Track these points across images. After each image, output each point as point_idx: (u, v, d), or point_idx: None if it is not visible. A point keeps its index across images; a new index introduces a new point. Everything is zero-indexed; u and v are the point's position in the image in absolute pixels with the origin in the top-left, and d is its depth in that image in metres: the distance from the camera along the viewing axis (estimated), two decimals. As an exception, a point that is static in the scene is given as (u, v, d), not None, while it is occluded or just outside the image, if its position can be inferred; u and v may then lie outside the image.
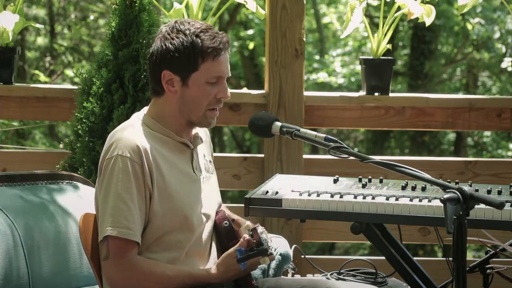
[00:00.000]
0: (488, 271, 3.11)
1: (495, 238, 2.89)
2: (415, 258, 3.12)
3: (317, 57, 12.58)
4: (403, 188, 2.97)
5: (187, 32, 2.78)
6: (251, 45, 12.31)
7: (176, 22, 2.83)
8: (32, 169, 3.32)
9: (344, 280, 3.17)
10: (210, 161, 3.01)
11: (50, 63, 12.17)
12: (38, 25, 4.65)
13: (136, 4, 4.04)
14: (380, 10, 4.54)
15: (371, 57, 4.54)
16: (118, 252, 2.70)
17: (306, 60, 5.03)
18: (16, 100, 4.46)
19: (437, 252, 10.70)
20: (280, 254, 3.12)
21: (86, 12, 12.02)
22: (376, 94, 4.52)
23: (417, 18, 4.38)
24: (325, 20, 13.12)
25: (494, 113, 4.59)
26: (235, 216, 3.04)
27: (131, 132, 2.79)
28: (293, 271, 3.39)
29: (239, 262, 2.74)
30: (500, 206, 2.40)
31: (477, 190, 2.88)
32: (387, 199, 2.85)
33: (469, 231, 2.40)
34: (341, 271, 3.28)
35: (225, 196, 11.65)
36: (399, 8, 4.44)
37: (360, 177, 3.11)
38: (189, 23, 2.81)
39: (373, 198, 2.86)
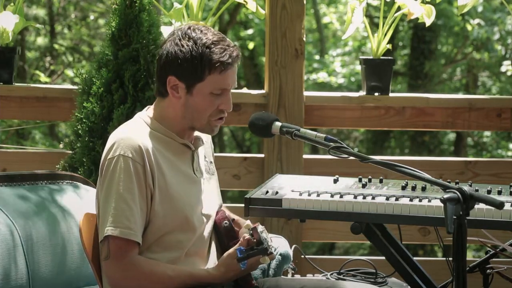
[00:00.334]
0: (488, 271, 3.11)
1: (495, 238, 2.89)
2: (415, 258, 3.12)
3: (317, 57, 12.58)
4: (403, 188, 2.97)
5: (198, 41, 2.76)
6: (251, 45, 12.32)
7: (190, 27, 2.80)
8: (32, 169, 3.32)
9: (344, 280, 3.17)
10: (211, 162, 3.01)
11: (50, 63, 12.17)
12: (38, 25, 4.65)
13: (136, 4, 4.04)
14: (380, 10, 4.54)
15: (371, 57, 4.54)
16: (119, 252, 2.70)
17: (306, 60, 5.03)
18: (16, 100, 4.46)
19: (437, 252, 10.70)
20: (280, 254, 3.12)
21: (86, 12, 12.02)
22: (376, 94, 4.52)
23: (417, 18, 4.38)
24: (325, 20, 13.12)
25: (494, 113, 4.59)
26: (235, 216, 3.04)
27: (133, 132, 2.79)
28: (293, 271, 3.39)
29: (239, 261, 2.74)
30: (500, 206, 2.40)
31: (477, 190, 2.88)
32: (387, 199, 2.85)
33: (469, 231, 2.40)
34: (341, 271, 3.28)
35: (225, 196, 11.65)
36: (399, 8, 4.44)
37: (360, 177, 3.11)
38: (201, 31, 2.79)
39: (373, 198, 2.86)
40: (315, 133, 2.82)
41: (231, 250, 2.79)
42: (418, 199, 2.84)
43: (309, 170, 4.46)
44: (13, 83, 4.44)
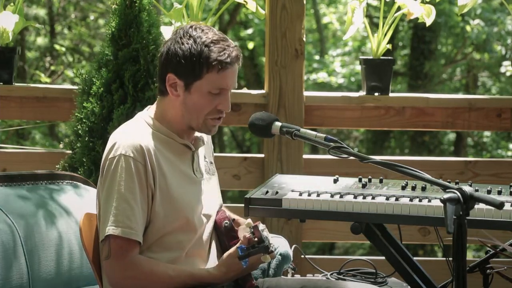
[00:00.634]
0: (488, 271, 3.11)
1: (495, 238, 2.89)
2: (415, 258, 3.12)
3: (317, 57, 12.58)
4: (403, 188, 2.97)
5: (198, 40, 2.76)
6: (251, 45, 12.31)
7: (191, 26, 2.81)
8: (32, 169, 3.32)
9: (344, 280, 3.17)
10: (211, 163, 3.01)
11: (50, 63, 12.17)
12: (38, 25, 4.65)
13: (136, 4, 4.04)
14: (380, 10, 4.54)
15: (371, 57, 4.54)
16: (120, 251, 2.70)
17: (306, 60, 5.03)
18: (16, 100, 4.47)
19: (437, 252, 10.70)
20: (280, 254, 3.12)
21: (86, 12, 12.02)
22: (376, 94, 4.52)
23: (417, 18, 4.38)
24: (325, 20, 13.12)
25: (494, 113, 4.59)
26: (235, 216, 3.04)
27: (134, 132, 2.79)
28: (293, 271, 3.39)
29: (241, 259, 2.74)
30: (500, 206, 2.40)
31: (477, 190, 2.88)
32: (387, 199, 2.85)
33: (469, 231, 2.40)
34: (341, 271, 3.28)
35: (225, 196, 11.65)
36: (399, 8, 4.44)
37: (360, 177, 3.11)
38: (203, 30, 2.79)
39: (373, 198, 2.86)
40: (315, 133, 2.82)
41: (232, 250, 2.79)
42: (418, 199, 2.84)
43: (309, 170, 4.46)
44: (13, 83, 4.44)
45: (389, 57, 4.55)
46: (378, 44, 4.50)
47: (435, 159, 4.85)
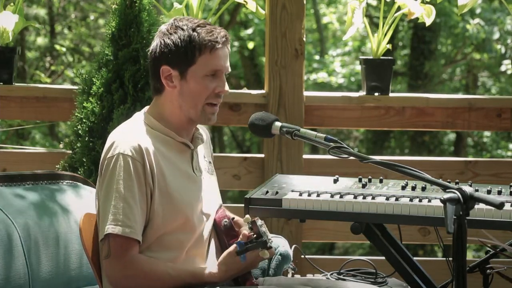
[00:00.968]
0: (488, 271, 3.11)
1: (495, 238, 2.89)
2: (415, 258, 3.12)
3: (317, 57, 12.58)
4: (403, 188, 2.97)
5: (185, 27, 2.80)
6: (251, 45, 12.31)
7: (175, 19, 2.85)
8: (32, 169, 3.32)
9: (344, 280, 3.17)
10: (210, 162, 3.01)
11: (50, 63, 12.17)
12: (38, 25, 4.65)
13: (136, 4, 4.04)
14: (380, 10, 4.54)
15: (371, 57, 4.54)
16: (120, 250, 2.70)
17: (306, 60, 5.03)
18: (16, 100, 4.47)
19: (437, 252, 10.70)
20: (280, 254, 3.11)
21: (86, 12, 12.02)
22: (376, 94, 4.52)
23: (417, 18, 4.38)
24: (325, 20, 13.12)
25: (494, 113, 4.59)
26: (234, 216, 3.04)
27: (133, 131, 2.79)
28: (293, 271, 3.39)
29: (239, 254, 2.74)
30: (500, 206, 2.40)
31: (477, 190, 2.87)
32: (387, 199, 2.85)
33: (469, 231, 2.40)
34: (341, 271, 3.28)
35: (225, 196, 11.65)
36: (399, 8, 4.44)
37: (360, 177, 3.11)
38: (187, 19, 2.84)
39: (373, 198, 2.86)
40: (315, 133, 2.82)
41: (231, 248, 2.79)
42: (418, 199, 2.84)
43: (309, 170, 4.46)
44: (13, 83, 4.44)
45: (389, 57, 4.55)
46: (378, 44, 4.50)
47: (435, 159, 4.85)
